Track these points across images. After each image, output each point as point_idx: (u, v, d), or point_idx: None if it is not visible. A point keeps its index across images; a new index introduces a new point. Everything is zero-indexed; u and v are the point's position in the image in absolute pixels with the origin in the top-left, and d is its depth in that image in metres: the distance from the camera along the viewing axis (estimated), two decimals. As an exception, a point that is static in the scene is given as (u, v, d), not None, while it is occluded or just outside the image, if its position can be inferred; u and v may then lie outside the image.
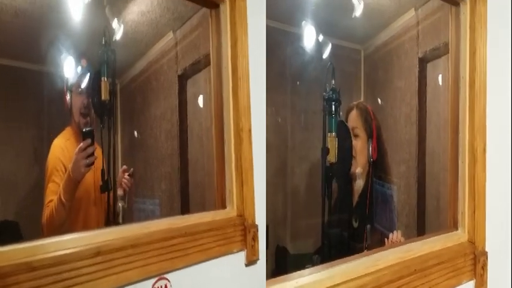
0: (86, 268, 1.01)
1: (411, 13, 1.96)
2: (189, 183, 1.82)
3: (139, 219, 1.70)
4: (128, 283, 1.10)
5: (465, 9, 1.57)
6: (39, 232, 1.39)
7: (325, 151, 1.62)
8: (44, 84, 1.50)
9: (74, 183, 1.39)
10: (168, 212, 1.90)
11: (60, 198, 1.38)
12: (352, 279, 1.16)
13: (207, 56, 1.51)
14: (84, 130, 1.40)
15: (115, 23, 1.62)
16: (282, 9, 1.78)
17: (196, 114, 1.81)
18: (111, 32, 1.58)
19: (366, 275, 1.19)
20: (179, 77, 1.83)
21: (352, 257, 1.24)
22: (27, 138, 1.53)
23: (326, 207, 1.67)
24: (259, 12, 1.40)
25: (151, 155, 1.87)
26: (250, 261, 1.39)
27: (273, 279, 1.07)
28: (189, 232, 1.24)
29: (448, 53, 1.63)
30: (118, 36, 1.63)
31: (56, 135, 1.47)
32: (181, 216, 1.33)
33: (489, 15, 1.58)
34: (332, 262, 1.19)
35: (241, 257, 1.38)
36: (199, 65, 1.69)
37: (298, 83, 2.03)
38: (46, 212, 1.38)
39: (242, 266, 1.39)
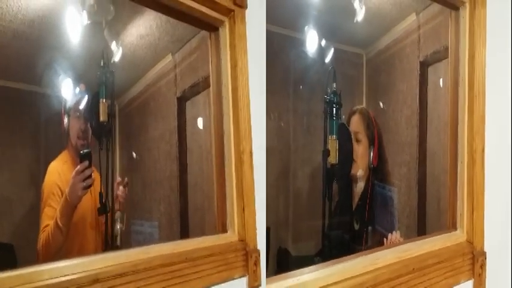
0: None
1: (412, 17, 1.99)
2: (189, 206, 1.82)
3: (138, 242, 1.70)
4: None
5: (464, 13, 1.60)
6: (34, 255, 1.36)
7: (326, 153, 1.66)
8: (42, 107, 1.49)
9: (71, 207, 1.37)
10: (167, 235, 1.89)
11: (56, 223, 1.36)
12: (351, 277, 1.19)
13: (207, 78, 1.51)
14: (81, 152, 1.39)
15: (113, 45, 1.63)
16: (285, 14, 1.80)
17: (195, 136, 1.82)
18: (109, 53, 1.58)
19: (364, 273, 1.22)
20: (178, 99, 1.84)
21: (351, 256, 1.28)
22: (23, 160, 1.51)
23: (327, 209, 1.70)
24: (259, 35, 1.41)
25: (149, 177, 1.86)
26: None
27: (275, 276, 1.10)
28: (189, 258, 1.22)
29: (448, 56, 1.67)
30: (116, 58, 1.62)
31: (52, 158, 1.46)
32: (181, 241, 1.32)
33: (488, 18, 1.61)
34: (332, 261, 1.23)
35: (243, 283, 1.35)
36: (199, 87, 1.70)
37: (300, 87, 2.06)
38: (42, 237, 1.36)
39: None
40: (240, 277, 1.34)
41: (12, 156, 1.47)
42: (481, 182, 1.58)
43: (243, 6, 1.37)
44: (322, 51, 1.89)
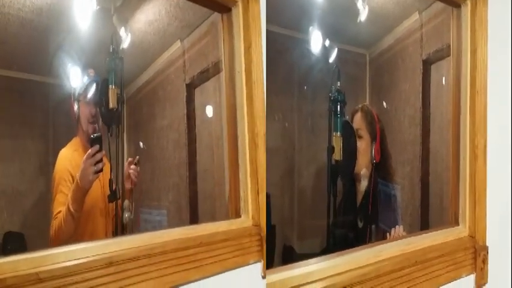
0: (98, 279, 0.98)
1: (415, 16, 2.03)
2: (198, 194, 1.83)
3: (146, 231, 1.69)
4: None
5: (466, 11, 1.64)
6: (44, 244, 1.38)
7: (331, 150, 1.71)
8: (51, 96, 1.51)
9: (82, 191, 1.38)
10: (177, 223, 1.89)
11: (68, 208, 1.37)
12: (355, 269, 1.23)
13: (216, 64, 1.52)
14: (92, 136, 1.41)
15: (122, 32, 1.62)
16: (290, 16, 1.84)
17: (205, 123, 1.83)
18: (118, 40, 1.57)
19: (368, 265, 1.27)
20: (187, 86, 1.84)
21: (355, 248, 1.33)
22: (33, 151, 1.53)
23: (331, 206, 1.75)
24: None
25: (158, 165, 1.87)
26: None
27: (281, 266, 1.15)
28: (204, 242, 1.22)
29: (451, 54, 1.71)
30: (125, 45, 1.62)
31: (62, 146, 1.47)
32: (195, 226, 1.32)
33: (489, 16, 1.65)
34: (336, 253, 1.28)
35: (258, 268, 1.36)
36: (208, 73, 1.70)
37: (305, 87, 2.10)
38: (54, 223, 1.38)
39: (259, 278, 1.36)
40: (255, 262, 1.36)
41: (22, 147, 1.49)
42: (483, 177, 1.62)
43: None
44: (326, 52, 1.93)
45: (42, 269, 0.90)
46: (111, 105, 1.47)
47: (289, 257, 1.92)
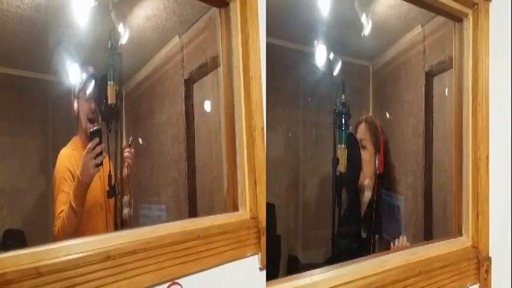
0: (96, 273, 1.00)
1: (418, 29, 2.06)
2: (197, 189, 1.83)
3: (145, 226, 1.69)
4: None
5: (468, 25, 1.68)
6: (43, 240, 1.30)
7: (335, 161, 1.75)
8: (50, 93, 1.51)
9: (83, 186, 1.39)
10: (175, 218, 1.81)
11: (71, 205, 1.38)
12: (360, 279, 1.27)
13: (214, 58, 1.52)
14: (91, 130, 1.41)
15: (121, 27, 1.62)
16: (296, 30, 1.88)
17: (203, 118, 1.82)
18: (117, 36, 1.57)
19: (373, 275, 1.31)
20: (185, 81, 1.84)
21: (360, 258, 1.36)
22: (33, 148, 1.54)
23: (336, 217, 1.78)
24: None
25: (157, 161, 1.87)
26: (265, 265, 1.37)
27: (288, 276, 1.19)
28: (202, 235, 1.23)
29: (453, 66, 1.74)
30: (124, 40, 1.62)
31: (62, 144, 1.47)
32: (193, 219, 1.32)
33: (491, 29, 1.68)
34: (342, 263, 1.31)
35: (255, 260, 1.37)
36: (206, 68, 1.70)
37: (309, 99, 2.13)
38: (58, 222, 1.39)
39: (256, 270, 1.37)
40: (252, 255, 1.37)
41: (22, 145, 1.50)
42: (485, 188, 1.65)
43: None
44: (330, 64, 1.96)
45: (42, 264, 0.93)
46: (109, 101, 1.47)
47: (294, 267, 1.95)
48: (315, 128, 2.13)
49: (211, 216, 1.36)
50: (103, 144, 1.41)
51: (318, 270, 1.24)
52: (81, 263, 0.98)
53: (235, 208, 1.42)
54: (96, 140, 1.39)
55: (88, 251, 1.01)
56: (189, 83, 1.84)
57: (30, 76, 1.51)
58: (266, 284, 1.12)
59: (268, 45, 1.63)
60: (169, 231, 1.20)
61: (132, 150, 1.60)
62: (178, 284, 1.18)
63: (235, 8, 1.40)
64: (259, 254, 1.38)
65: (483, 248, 1.64)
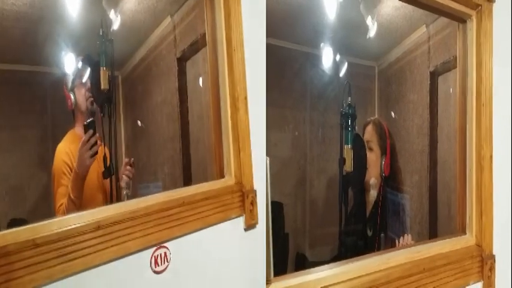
0: (87, 242, 1.09)
1: (422, 30, 2.09)
2: (192, 163, 1.88)
3: None
4: (128, 253, 1.18)
5: (471, 26, 1.71)
6: None
7: (342, 161, 1.80)
8: (47, 83, 1.56)
9: (81, 178, 1.46)
10: None
11: (70, 197, 1.44)
12: (365, 275, 1.32)
13: (204, 35, 1.57)
14: (85, 123, 1.46)
15: (112, 14, 1.67)
16: (303, 33, 1.92)
17: (196, 94, 1.87)
18: (108, 22, 1.63)
19: (378, 271, 1.35)
20: (178, 59, 1.89)
21: (365, 255, 1.41)
22: (32, 140, 1.60)
23: (343, 215, 1.83)
24: None
25: (154, 141, 1.93)
26: (249, 226, 1.48)
27: (296, 272, 1.24)
28: (186, 202, 1.31)
29: (457, 67, 1.77)
30: (116, 26, 1.67)
31: (61, 134, 1.54)
32: (179, 189, 1.40)
33: (494, 30, 1.71)
34: (347, 260, 1.36)
35: (240, 222, 1.46)
36: (198, 45, 1.74)
37: (316, 100, 2.17)
38: (58, 215, 1.42)
39: (241, 231, 1.47)
40: (237, 217, 1.46)
41: (21, 137, 1.56)
42: (489, 187, 1.68)
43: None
44: (336, 66, 2.00)
45: (38, 236, 1.01)
46: (102, 86, 1.53)
47: (302, 264, 2.00)
48: (322, 128, 2.17)
49: (196, 185, 1.44)
50: (97, 135, 1.47)
51: (324, 266, 1.29)
52: (74, 233, 1.07)
53: (221, 175, 1.49)
54: (90, 131, 1.45)
55: (79, 223, 1.10)
56: (181, 61, 1.89)
57: (27, 70, 1.56)
58: (274, 279, 1.18)
59: (276, 47, 1.68)
60: (155, 201, 1.28)
61: (133, 169, 1.67)
62: (165, 247, 1.27)
63: None
64: (244, 216, 1.46)
65: (487, 246, 1.67)
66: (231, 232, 1.45)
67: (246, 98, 1.47)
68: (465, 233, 1.70)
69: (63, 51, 1.51)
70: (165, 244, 1.27)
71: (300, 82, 2.08)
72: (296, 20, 1.85)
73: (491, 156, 1.70)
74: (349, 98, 1.83)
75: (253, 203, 1.47)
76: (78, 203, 1.45)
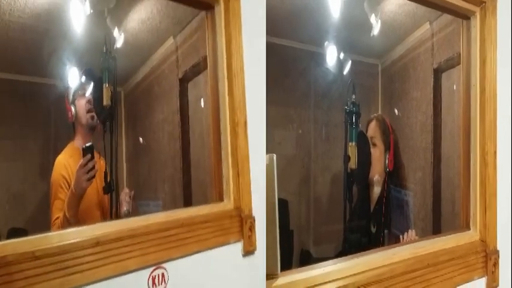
0: (86, 257, 1.09)
1: (426, 26, 2.11)
2: (192, 183, 1.89)
3: None
4: (126, 271, 1.17)
5: (475, 23, 1.72)
6: None
7: (347, 158, 1.82)
8: (50, 97, 1.59)
9: (77, 198, 1.48)
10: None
11: (65, 215, 1.46)
12: (370, 269, 1.34)
13: (206, 57, 1.58)
14: (84, 146, 1.49)
15: (116, 32, 1.71)
16: (307, 32, 1.95)
17: (197, 115, 1.88)
18: (112, 40, 1.66)
19: (382, 266, 1.38)
20: (180, 80, 1.91)
21: (370, 250, 1.44)
22: (35, 149, 1.62)
23: (347, 212, 1.85)
24: (257, 13, 1.48)
25: (155, 158, 1.95)
26: (248, 252, 1.46)
27: (302, 267, 1.27)
28: (185, 223, 1.31)
29: (461, 63, 1.79)
30: (119, 44, 1.71)
31: (62, 145, 1.57)
32: (178, 209, 1.41)
33: (498, 26, 1.73)
34: (353, 255, 1.39)
35: (238, 247, 1.45)
36: (199, 67, 1.75)
37: (320, 98, 2.20)
38: (54, 229, 1.47)
39: (239, 257, 1.45)
40: (236, 242, 1.45)
41: (23, 147, 1.58)
42: (493, 183, 1.70)
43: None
44: (340, 64, 2.03)
45: (38, 248, 1.03)
46: (104, 103, 1.56)
47: (306, 261, 2.02)
48: (326, 126, 2.19)
49: (196, 207, 1.44)
50: (94, 160, 1.49)
51: (330, 261, 1.32)
52: (73, 248, 1.08)
53: (220, 199, 1.50)
54: (88, 156, 1.48)
55: (79, 238, 1.11)
56: (183, 81, 1.91)
57: (31, 81, 1.59)
58: (281, 274, 1.20)
59: (280, 46, 1.70)
60: (155, 220, 1.29)
61: (133, 202, 1.70)
62: (163, 268, 1.27)
63: (219, 11, 1.48)
64: (242, 241, 1.46)
65: (491, 241, 1.69)
66: (229, 257, 1.45)
67: (245, 123, 1.49)
68: (469, 229, 1.71)
69: (66, 64, 1.54)
70: (163, 265, 1.27)
71: (304, 81, 2.10)
72: (300, 19, 1.87)
73: (495, 152, 1.71)
74: (353, 95, 1.85)
75: (252, 228, 1.47)
76: (73, 222, 1.47)
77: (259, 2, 1.48)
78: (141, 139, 1.91)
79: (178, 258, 1.30)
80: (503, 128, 1.75)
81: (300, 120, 2.14)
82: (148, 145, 1.95)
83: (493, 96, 1.71)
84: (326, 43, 1.98)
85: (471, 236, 1.69)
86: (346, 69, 2.03)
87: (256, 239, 1.48)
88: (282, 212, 1.66)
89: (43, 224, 1.51)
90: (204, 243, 1.36)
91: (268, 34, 1.48)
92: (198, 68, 1.78)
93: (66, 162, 1.54)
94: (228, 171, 1.48)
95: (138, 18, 1.82)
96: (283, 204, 1.88)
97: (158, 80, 1.95)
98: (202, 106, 1.82)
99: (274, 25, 1.51)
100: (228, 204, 1.47)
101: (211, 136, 1.55)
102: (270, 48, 1.50)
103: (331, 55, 2.02)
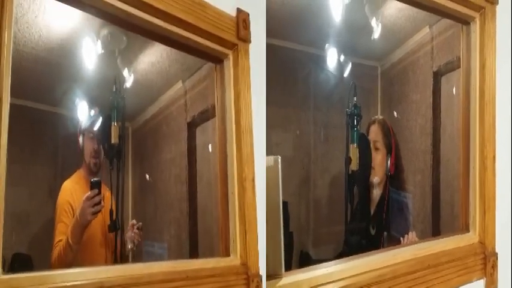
0: None
1: (426, 30, 2.13)
2: (198, 229, 1.88)
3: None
4: None
5: (475, 28, 1.75)
6: (49, 265, 1.46)
7: (348, 160, 1.85)
8: (59, 127, 1.58)
9: (81, 227, 1.49)
10: (177, 257, 1.97)
11: (67, 241, 1.46)
12: (372, 270, 1.37)
13: (214, 106, 1.61)
14: (92, 181, 1.50)
15: (126, 72, 1.73)
16: (308, 34, 1.96)
17: (205, 161, 1.88)
18: (122, 80, 1.68)
19: (384, 267, 1.40)
20: (188, 124, 1.91)
21: (372, 251, 1.47)
22: (42, 177, 1.59)
23: (348, 213, 1.87)
24: (260, 71, 1.48)
25: (161, 199, 1.93)
26: None
27: (305, 268, 1.30)
28: (190, 276, 1.28)
29: (460, 67, 1.81)
30: (129, 84, 1.72)
31: (68, 175, 1.55)
32: (184, 260, 1.44)
33: (498, 31, 1.76)
34: (354, 256, 1.42)
35: None
36: (208, 114, 1.75)
37: (320, 100, 2.21)
38: (55, 252, 1.46)
39: None
40: None
41: (32, 173, 1.55)
42: (492, 186, 1.73)
43: (247, 40, 1.49)
44: (340, 66, 2.05)
45: (43, 287, 1.01)
46: (112, 141, 1.59)
47: (306, 263, 2.04)
48: (326, 128, 2.21)
49: (202, 259, 1.45)
50: (101, 195, 1.50)
51: (332, 262, 1.35)
52: None
53: (227, 253, 1.47)
54: (96, 190, 1.49)
55: (83, 280, 1.09)
56: (191, 126, 1.92)
57: (42, 108, 1.58)
58: (284, 274, 1.22)
59: (280, 48, 1.72)
60: (159, 269, 1.27)
61: (141, 233, 1.69)
62: None
63: (228, 66, 1.50)
64: None
65: (489, 243, 1.72)
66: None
67: (253, 179, 1.48)
68: (468, 231, 1.74)
69: (76, 98, 1.55)
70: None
71: (304, 82, 2.11)
72: (301, 21, 1.90)
73: (494, 155, 1.74)
74: (355, 98, 1.87)
75: (259, 287, 1.43)
76: (75, 249, 1.48)
77: (262, 59, 1.48)
78: (147, 176, 1.92)
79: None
80: (502, 132, 1.78)
81: (299, 122, 2.16)
82: (155, 184, 1.94)
83: (492, 99, 1.74)
84: (327, 45, 2.00)
85: (470, 238, 1.72)
86: (347, 72, 2.06)
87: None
88: (283, 214, 1.68)
89: (48, 250, 1.49)
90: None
91: (268, 36, 1.49)
92: (206, 115, 1.79)
93: (73, 188, 1.55)
94: (235, 227, 1.46)
95: (148, 60, 1.84)
96: (283, 205, 1.89)
97: (167, 120, 1.95)
98: (211, 152, 1.82)
99: (274, 27, 1.53)
100: (234, 260, 1.45)
101: (219, 191, 1.56)
102: (270, 50, 1.50)
103: (332, 57, 2.05)
